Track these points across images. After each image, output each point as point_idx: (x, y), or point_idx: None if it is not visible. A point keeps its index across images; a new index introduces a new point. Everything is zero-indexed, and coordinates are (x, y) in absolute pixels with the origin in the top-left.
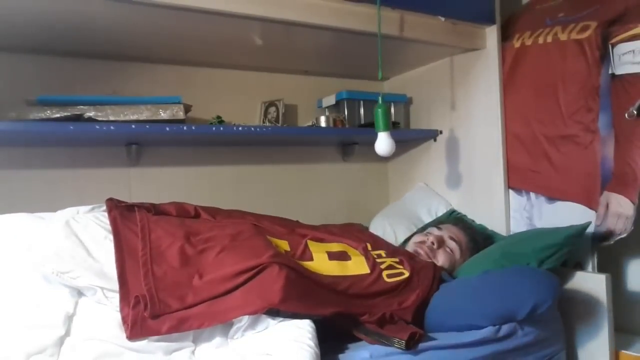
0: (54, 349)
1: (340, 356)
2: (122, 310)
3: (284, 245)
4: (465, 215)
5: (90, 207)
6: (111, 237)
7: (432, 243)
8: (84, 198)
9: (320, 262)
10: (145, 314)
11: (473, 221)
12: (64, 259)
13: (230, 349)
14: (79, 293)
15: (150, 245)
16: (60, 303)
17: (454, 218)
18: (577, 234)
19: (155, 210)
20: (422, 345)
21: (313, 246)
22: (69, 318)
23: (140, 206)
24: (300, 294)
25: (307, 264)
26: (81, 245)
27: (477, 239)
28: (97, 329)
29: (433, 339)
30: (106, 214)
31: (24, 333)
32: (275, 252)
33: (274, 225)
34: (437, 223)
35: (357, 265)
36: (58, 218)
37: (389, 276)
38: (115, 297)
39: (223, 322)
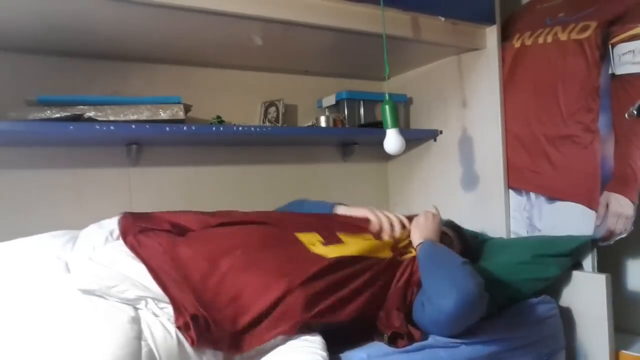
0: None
1: (338, 356)
2: (176, 320)
3: (312, 238)
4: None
5: (103, 238)
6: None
7: None
8: (84, 198)
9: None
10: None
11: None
12: (105, 277)
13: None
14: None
15: (183, 270)
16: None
17: (445, 220)
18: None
19: (174, 227)
20: (419, 344)
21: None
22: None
23: (159, 228)
24: (325, 304)
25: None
26: (113, 269)
27: (467, 238)
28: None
29: (432, 338)
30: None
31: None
32: (290, 276)
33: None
34: None
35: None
36: (76, 261)
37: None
38: (167, 307)
39: (263, 344)
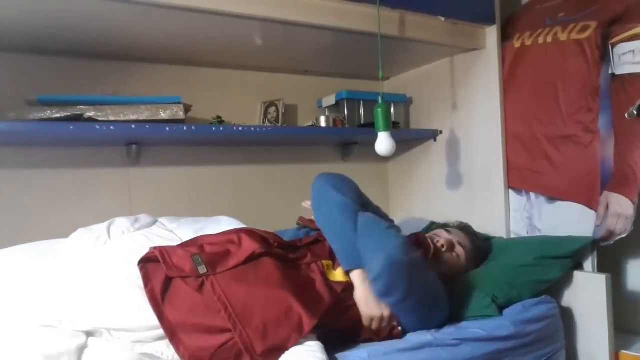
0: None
1: (338, 356)
2: None
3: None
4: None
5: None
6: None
7: (442, 246)
8: (84, 198)
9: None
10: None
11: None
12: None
13: None
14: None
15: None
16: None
17: (459, 224)
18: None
19: (207, 258)
20: (418, 343)
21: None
22: None
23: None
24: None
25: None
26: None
27: (481, 247)
28: None
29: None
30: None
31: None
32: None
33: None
34: (443, 226)
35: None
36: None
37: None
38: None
39: (284, 352)
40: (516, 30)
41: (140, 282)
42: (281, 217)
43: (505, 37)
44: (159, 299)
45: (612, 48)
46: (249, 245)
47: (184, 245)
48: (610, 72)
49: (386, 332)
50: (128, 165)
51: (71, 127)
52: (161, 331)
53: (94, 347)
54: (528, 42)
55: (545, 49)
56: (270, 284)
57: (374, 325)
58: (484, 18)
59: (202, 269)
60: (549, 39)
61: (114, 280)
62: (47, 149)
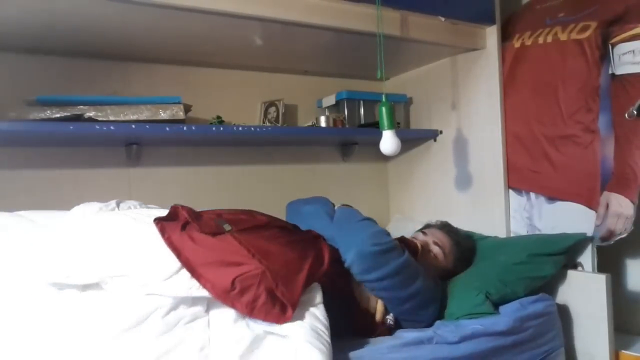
0: None
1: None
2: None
3: None
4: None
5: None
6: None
7: (418, 248)
8: (84, 198)
9: None
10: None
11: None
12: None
13: (245, 324)
14: None
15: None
16: None
17: (439, 223)
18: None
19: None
20: (418, 339)
21: None
22: None
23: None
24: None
25: None
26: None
27: (461, 242)
28: None
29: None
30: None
31: None
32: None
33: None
34: (424, 227)
35: None
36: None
37: None
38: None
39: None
40: (516, 30)
41: (153, 236)
42: (281, 217)
43: (505, 37)
44: (175, 244)
45: (612, 48)
46: (262, 217)
47: (201, 212)
48: (610, 72)
49: (380, 318)
50: (128, 165)
51: (71, 127)
52: (173, 278)
53: (102, 296)
54: (528, 42)
55: (545, 49)
56: (283, 244)
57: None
58: (484, 18)
59: (227, 227)
60: (549, 39)
61: (125, 232)
62: (47, 149)
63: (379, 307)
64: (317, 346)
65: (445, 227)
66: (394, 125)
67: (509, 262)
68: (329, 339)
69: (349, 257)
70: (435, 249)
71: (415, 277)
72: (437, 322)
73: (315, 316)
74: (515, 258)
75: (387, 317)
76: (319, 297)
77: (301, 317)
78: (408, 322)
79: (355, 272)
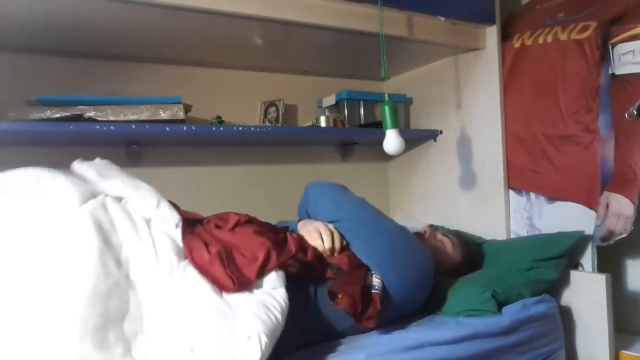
0: None
1: (335, 356)
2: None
3: None
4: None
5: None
6: None
7: (425, 232)
8: None
9: None
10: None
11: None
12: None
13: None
14: None
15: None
16: None
17: (445, 227)
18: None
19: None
20: (417, 341)
21: None
22: None
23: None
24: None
25: None
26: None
27: (469, 242)
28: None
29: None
30: None
31: None
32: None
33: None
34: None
35: None
36: None
37: None
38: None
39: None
40: (516, 30)
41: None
42: (281, 217)
43: (505, 37)
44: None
45: (612, 48)
46: (234, 216)
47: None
48: (610, 72)
49: (338, 250)
50: (128, 165)
51: (71, 127)
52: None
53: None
54: (528, 42)
55: (545, 49)
56: (250, 232)
57: (318, 242)
58: (484, 18)
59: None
60: (549, 39)
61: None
62: (47, 149)
63: (325, 235)
64: (260, 316)
65: (455, 230)
66: (397, 124)
67: (511, 269)
68: (279, 317)
69: (304, 196)
70: (443, 238)
71: (382, 219)
72: (437, 319)
73: (271, 295)
74: (518, 265)
75: (373, 275)
76: (280, 282)
77: (255, 294)
78: (394, 283)
79: (310, 211)
